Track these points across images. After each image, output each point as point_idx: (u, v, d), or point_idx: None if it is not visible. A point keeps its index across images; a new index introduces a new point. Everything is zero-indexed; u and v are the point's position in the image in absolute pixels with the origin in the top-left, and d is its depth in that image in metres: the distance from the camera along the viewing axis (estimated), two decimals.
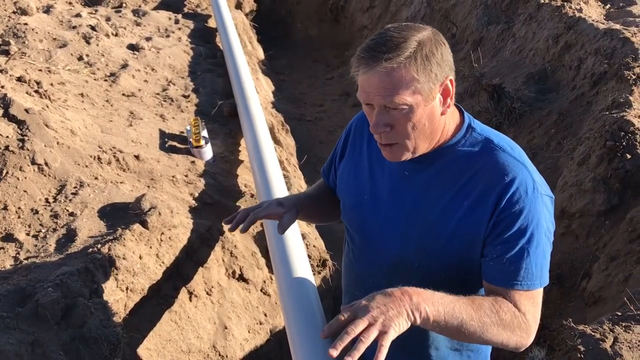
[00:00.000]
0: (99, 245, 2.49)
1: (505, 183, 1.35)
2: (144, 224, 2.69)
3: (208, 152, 3.74)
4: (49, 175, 2.90)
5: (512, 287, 1.36)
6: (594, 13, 5.47)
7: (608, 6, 5.78)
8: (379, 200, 1.52)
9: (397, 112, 1.31)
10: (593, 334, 2.23)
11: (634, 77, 3.93)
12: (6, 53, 4.06)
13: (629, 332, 2.23)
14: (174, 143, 3.77)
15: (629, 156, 3.30)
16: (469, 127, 1.45)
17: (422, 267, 1.48)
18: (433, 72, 1.31)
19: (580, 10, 5.20)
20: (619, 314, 2.38)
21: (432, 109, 1.34)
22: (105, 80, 4.31)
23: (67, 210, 2.76)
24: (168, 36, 5.57)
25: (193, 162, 3.61)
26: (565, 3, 5.32)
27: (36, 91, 3.48)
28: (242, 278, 3.08)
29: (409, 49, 1.28)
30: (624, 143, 3.35)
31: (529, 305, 1.37)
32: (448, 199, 1.41)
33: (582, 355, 2.14)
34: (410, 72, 1.28)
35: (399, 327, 1.21)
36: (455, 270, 1.46)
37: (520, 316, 1.35)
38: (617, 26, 4.62)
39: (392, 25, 1.35)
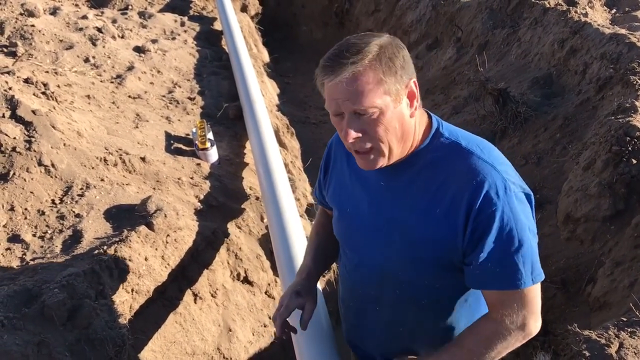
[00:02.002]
0: (105, 247, 2.50)
1: (474, 187, 1.34)
2: (150, 225, 2.70)
3: (213, 154, 3.75)
4: (56, 177, 2.91)
5: (505, 289, 1.37)
6: (599, 17, 5.48)
7: (614, 11, 5.78)
8: (361, 213, 1.54)
9: (367, 117, 1.31)
10: (598, 339, 2.22)
11: (639, 82, 3.93)
12: (13, 55, 4.08)
13: (634, 338, 2.22)
14: (180, 145, 3.79)
15: (634, 161, 3.30)
16: (437, 132, 1.45)
17: (405, 275, 1.49)
18: (398, 74, 1.32)
19: (585, 15, 5.20)
20: (625, 319, 2.37)
21: (401, 111, 1.35)
22: (112, 82, 4.33)
23: (74, 212, 2.77)
24: (174, 38, 5.59)
25: (199, 164, 3.62)
26: (571, 7, 5.32)
27: (43, 93, 3.50)
28: (246, 280, 3.08)
29: (372, 52, 1.30)
30: (630, 148, 3.34)
31: (519, 306, 1.38)
32: (422, 207, 1.42)
33: None
34: (377, 73, 1.29)
35: None
36: (437, 276, 1.47)
37: (498, 325, 1.40)
38: (623, 31, 4.62)
39: (351, 36, 1.36)
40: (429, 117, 1.48)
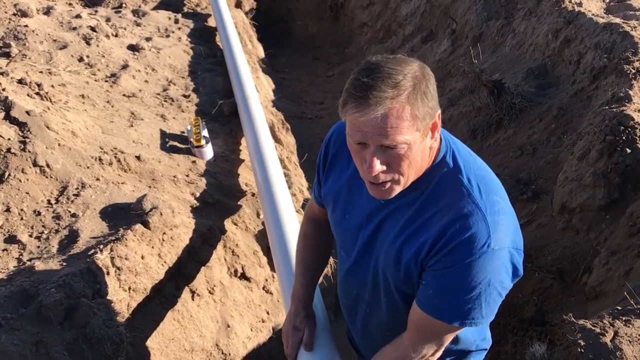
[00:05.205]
0: (101, 246, 2.51)
1: (456, 230, 1.32)
2: (146, 224, 2.71)
3: (209, 151, 3.75)
4: (51, 177, 2.92)
5: (428, 313, 1.40)
6: (593, 7, 5.46)
7: (608, 0, 5.77)
8: (359, 223, 1.54)
9: (394, 152, 1.27)
10: (593, 328, 2.23)
11: (633, 71, 3.93)
12: (7, 55, 4.08)
13: (629, 326, 2.24)
14: (175, 143, 3.79)
15: (628, 150, 3.31)
16: (442, 160, 1.41)
17: (395, 285, 1.52)
18: (430, 108, 1.28)
19: (580, 4, 5.19)
20: (619, 308, 2.38)
21: (425, 144, 1.32)
22: (106, 81, 4.33)
23: (69, 212, 2.78)
24: (168, 36, 5.58)
25: (194, 161, 3.63)
26: None
27: (37, 93, 3.49)
28: (244, 276, 3.09)
29: (408, 87, 1.24)
30: (624, 137, 3.35)
31: (430, 338, 1.44)
32: (410, 232, 1.42)
33: (582, 350, 2.15)
34: (413, 109, 1.24)
35: None
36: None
37: (402, 352, 1.48)
38: (617, 20, 4.62)
39: (382, 59, 1.28)
40: (440, 139, 1.43)
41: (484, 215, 1.32)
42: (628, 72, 3.93)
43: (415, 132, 1.26)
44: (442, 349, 1.48)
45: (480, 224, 1.31)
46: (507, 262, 1.35)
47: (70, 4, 6.00)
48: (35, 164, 2.89)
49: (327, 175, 1.66)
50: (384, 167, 1.30)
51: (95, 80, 4.28)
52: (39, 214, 2.76)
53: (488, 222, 1.32)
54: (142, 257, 2.58)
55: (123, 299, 2.43)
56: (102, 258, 2.44)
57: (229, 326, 2.86)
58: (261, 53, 7.44)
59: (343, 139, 1.58)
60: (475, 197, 1.35)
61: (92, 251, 2.48)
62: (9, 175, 2.82)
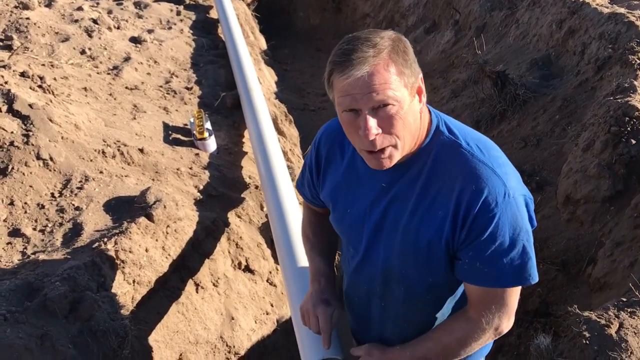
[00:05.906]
0: (105, 239, 2.51)
1: (473, 192, 1.33)
2: (150, 217, 2.71)
3: (212, 144, 3.75)
4: (54, 170, 2.91)
5: (490, 286, 1.41)
6: None
7: None
8: (362, 214, 1.53)
9: (386, 111, 1.28)
10: (598, 320, 2.23)
11: (638, 61, 3.91)
12: (9, 48, 4.07)
13: (634, 318, 2.23)
14: (178, 135, 3.78)
15: (633, 141, 3.29)
16: (437, 130, 1.43)
17: (410, 274, 1.50)
18: (412, 67, 1.31)
19: None
20: (624, 299, 2.37)
21: (414, 106, 1.33)
22: (108, 74, 4.32)
23: (73, 205, 2.78)
24: (170, 28, 5.57)
25: (197, 154, 3.62)
26: None
27: (39, 86, 3.49)
28: (248, 269, 3.10)
29: (387, 46, 1.28)
30: (629, 128, 3.33)
31: (497, 306, 1.42)
32: (423, 211, 1.41)
33: (587, 342, 2.15)
34: (397, 65, 1.28)
35: None
36: (441, 274, 1.48)
37: (474, 325, 1.45)
38: (622, 10, 4.58)
39: (358, 32, 1.34)
40: (429, 112, 1.46)
41: (493, 169, 1.35)
42: (633, 62, 3.91)
43: (404, 88, 1.29)
44: (513, 314, 1.47)
45: (493, 178, 1.34)
46: (525, 209, 1.38)
47: None
48: (38, 157, 2.89)
49: (324, 178, 1.64)
50: (380, 130, 1.30)
51: (98, 73, 4.27)
52: (43, 207, 2.76)
53: (499, 174, 1.35)
54: (146, 250, 2.58)
55: (127, 292, 2.44)
56: (107, 251, 2.44)
57: (233, 318, 2.87)
58: (263, 45, 7.42)
59: (333, 137, 1.60)
60: (478, 156, 1.37)
61: (96, 244, 2.48)
62: (12, 168, 2.82)
